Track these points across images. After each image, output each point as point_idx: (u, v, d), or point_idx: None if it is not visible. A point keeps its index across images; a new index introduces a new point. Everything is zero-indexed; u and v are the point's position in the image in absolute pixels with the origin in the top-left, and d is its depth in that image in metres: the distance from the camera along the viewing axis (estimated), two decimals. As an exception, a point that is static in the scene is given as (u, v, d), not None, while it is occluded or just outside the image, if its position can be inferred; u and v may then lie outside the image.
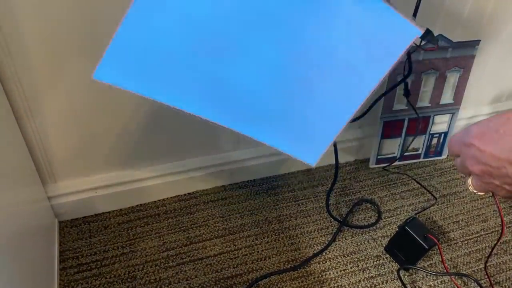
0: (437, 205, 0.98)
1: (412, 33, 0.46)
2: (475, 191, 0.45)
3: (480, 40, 0.96)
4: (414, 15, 0.80)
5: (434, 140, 1.09)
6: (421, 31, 0.46)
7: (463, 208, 0.98)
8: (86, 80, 0.72)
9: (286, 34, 0.47)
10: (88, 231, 0.85)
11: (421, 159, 1.10)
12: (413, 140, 1.05)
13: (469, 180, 0.46)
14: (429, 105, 1.02)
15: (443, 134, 1.08)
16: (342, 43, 0.48)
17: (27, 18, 0.63)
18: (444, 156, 1.11)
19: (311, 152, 0.60)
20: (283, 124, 0.57)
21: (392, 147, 1.07)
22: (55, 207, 0.84)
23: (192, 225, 0.88)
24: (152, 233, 0.86)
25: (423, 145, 1.08)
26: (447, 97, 1.03)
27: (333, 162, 0.93)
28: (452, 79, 1.00)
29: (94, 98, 0.75)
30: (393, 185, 1.02)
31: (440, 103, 1.02)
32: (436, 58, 0.95)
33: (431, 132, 1.07)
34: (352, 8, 0.46)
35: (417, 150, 1.10)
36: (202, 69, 0.52)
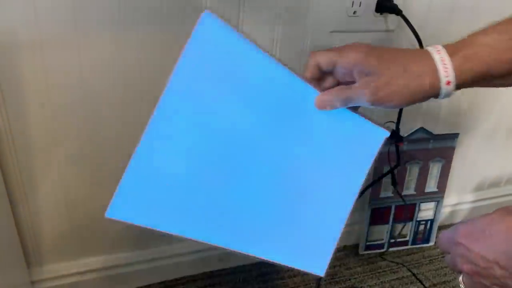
0: (428, 295, 0.97)
1: (381, 135, 0.53)
2: None
3: (459, 133, 1.02)
4: (400, 113, 0.86)
5: (421, 227, 1.11)
6: (388, 132, 0.52)
7: (454, 298, 0.97)
8: (81, 162, 0.74)
9: (274, 158, 0.54)
10: (69, 319, 0.82)
11: (409, 246, 1.11)
12: (403, 228, 1.06)
13: (460, 278, 0.47)
14: (415, 193, 1.05)
15: (429, 221, 1.10)
16: (322, 156, 0.54)
17: (31, 101, 0.66)
18: (431, 243, 1.12)
19: (318, 263, 0.60)
20: (287, 240, 0.59)
21: (381, 233, 1.08)
22: (38, 292, 0.82)
23: (179, 314, 0.85)
24: (136, 322, 0.83)
25: (411, 232, 1.10)
26: (431, 186, 1.06)
27: (323, 249, 0.93)
28: (435, 168, 1.05)
29: (86, 182, 0.77)
30: (383, 273, 1.02)
31: (425, 191, 1.06)
32: (419, 149, 1.00)
33: (418, 219, 1.09)
34: (326, 124, 0.52)
35: (405, 236, 1.11)
36: (207, 200, 0.57)
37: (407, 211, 1.07)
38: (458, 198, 1.19)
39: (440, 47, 0.43)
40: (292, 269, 0.97)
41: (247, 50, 0.50)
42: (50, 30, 0.62)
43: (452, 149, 1.03)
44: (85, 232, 0.81)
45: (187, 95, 0.53)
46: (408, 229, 1.10)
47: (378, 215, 1.04)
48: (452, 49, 0.43)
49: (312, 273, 0.58)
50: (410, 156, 1.00)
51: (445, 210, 1.17)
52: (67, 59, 0.65)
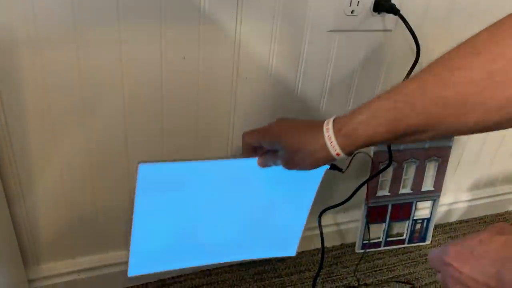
0: (424, 293, 0.97)
1: (321, 169, 0.71)
2: None
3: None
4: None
5: (418, 226, 1.11)
6: (328, 166, 0.72)
7: (450, 297, 0.97)
8: (78, 163, 0.74)
9: (240, 204, 0.79)
10: (67, 318, 0.82)
11: (405, 245, 1.11)
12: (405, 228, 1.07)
13: None
14: (411, 191, 1.05)
15: (426, 220, 1.11)
16: (279, 192, 0.79)
17: (29, 101, 0.66)
18: (428, 242, 1.13)
19: (288, 248, 0.88)
20: (259, 244, 0.87)
21: (377, 232, 1.08)
22: (35, 291, 0.82)
23: (176, 312, 0.86)
24: (133, 320, 0.83)
25: (407, 230, 1.10)
26: (427, 185, 1.07)
27: (320, 246, 0.93)
28: (432, 167, 1.05)
29: (84, 181, 0.76)
30: (379, 271, 1.02)
31: (422, 190, 1.06)
32: (416, 148, 1.00)
33: (414, 218, 1.09)
34: (277, 173, 0.71)
35: (401, 235, 1.12)
36: (196, 240, 0.80)
37: (403, 209, 1.07)
38: (454, 197, 1.20)
39: (330, 125, 0.50)
40: (288, 267, 0.98)
41: (186, 166, 0.71)
42: (48, 28, 0.62)
43: (449, 148, 1.04)
44: (82, 230, 0.81)
45: (154, 211, 0.74)
46: (404, 228, 1.11)
47: (374, 214, 1.05)
48: (338, 126, 0.50)
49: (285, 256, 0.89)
50: (406, 155, 1.01)
51: (441, 209, 1.18)
52: (65, 57, 0.65)
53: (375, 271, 1.02)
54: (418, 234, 1.12)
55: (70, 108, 0.69)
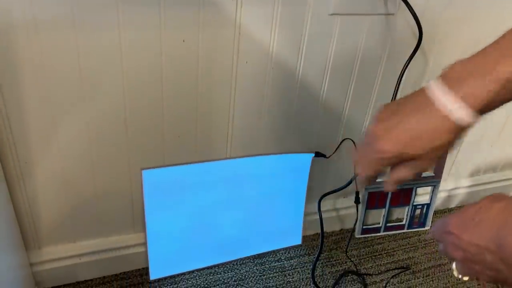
0: (422, 278, 0.98)
1: (309, 157, 0.90)
2: (460, 276, 0.47)
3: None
4: (394, 98, 0.86)
5: (418, 211, 1.12)
6: (313, 154, 0.91)
7: (449, 281, 0.98)
8: (78, 148, 0.74)
9: (245, 203, 0.91)
10: (68, 301, 0.83)
11: (405, 230, 1.12)
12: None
13: (454, 265, 0.48)
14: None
15: (426, 206, 1.11)
16: (276, 186, 0.93)
17: (27, 84, 0.66)
18: (427, 227, 1.13)
19: (293, 237, 1.01)
20: (266, 237, 0.97)
21: (377, 217, 1.08)
22: (36, 274, 0.82)
23: (176, 296, 0.86)
24: (134, 303, 0.84)
25: (407, 216, 1.11)
26: (428, 170, 1.07)
27: (320, 231, 0.94)
28: None
29: (85, 164, 0.76)
30: (379, 256, 1.03)
31: (422, 175, 1.06)
32: None
33: (414, 204, 1.09)
34: (270, 170, 0.88)
35: (401, 220, 1.12)
36: (210, 235, 0.90)
37: (403, 195, 1.08)
38: (454, 183, 1.20)
39: (434, 84, 0.42)
40: (288, 252, 0.98)
41: (188, 168, 0.80)
42: (46, 10, 0.61)
43: None
44: (83, 214, 0.82)
45: (164, 215, 0.83)
46: (404, 213, 1.11)
47: (374, 199, 1.05)
48: (447, 79, 0.42)
49: (293, 245, 1.02)
50: None
51: (441, 195, 1.18)
52: (64, 40, 0.64)
53: (375, 256, 1.03)
54: (417, 220, 1.13)
55: (69, 91, 0.68)
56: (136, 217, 0.86)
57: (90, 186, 0.79)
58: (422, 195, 1.10)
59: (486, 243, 0.41)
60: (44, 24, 0.62)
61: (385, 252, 1.04)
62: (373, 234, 1.08)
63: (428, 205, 1.11)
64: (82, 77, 0.68)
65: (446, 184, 1.18)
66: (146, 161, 0.79)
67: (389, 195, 1.06)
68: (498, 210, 0.42)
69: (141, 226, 0.87)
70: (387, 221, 1.09)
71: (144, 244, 0.86)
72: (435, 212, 1.16)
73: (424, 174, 1.06)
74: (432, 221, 1.13)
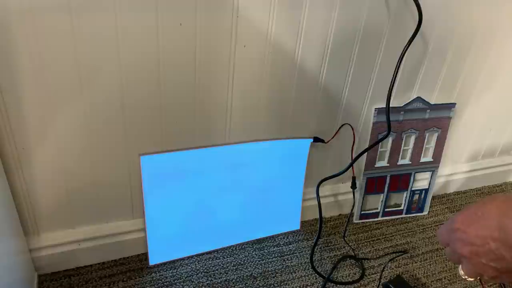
0: (420, 262, 0.99)
1: (307, 143, 0.91)
2: (466, 277, 0.49)
3: (455, 103, 1.02)
4: (393, 83, 0.85)
5: (416, 197, 1.12)
6: (312, 139, 0.91)
7: (446, 265, 0.99)
8: (76, 134, 0.74)
9: (246, 188, 0.92)
10: (69, 285, 0.83)
11: (403, 215, 1.12)
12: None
13: (460, 268, 0.50)
14: (410, 162, 1.05)
15: (424, 191, 1.12)
16: (277, 170, 0.93)
17: (24, 71, 0.65)
18: (425, 212, 1.14)
19: (292, 222, 1.02)
20: (265, 222, 0.98)
21: (375, 202, 1.09)
22: (36, 260, 0.82)
23: (176, 280, 0.87)
24: (135, 287, 0.84)
25: (405, 201, 1.11)
26: (427, 156, 1.07)
27: (318, 216, 0.94)
28: (431, 139, 1.05)
29: (83, 151, 0.76)
30: (377, 241, 1.03)
31: (420, 161, 1.06)
32: (416, 119, 1.00)
33: (412, 189, 1.10)
34: (271, 156, 0.89)
35: (399, 206, 1.12)
36: (209, 221, 0.91)
37: (402, 180, 1.08)
38: (452, 168, 1.20)
39: None
40: (287, 237, 0.99)
41: (186, 154, 0.80)
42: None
43: (449, 119, 1.03)
44: (81, 200, 0.82)
45: (163, 200, 0.83)
46: (402, 199, 1.11)
47: (373, 184, 1.05)
48: None
49: (291, 230, 1.03)
50: (406, 126, 1.00)
51: (440, 180, 1.19)
52: (59, 25, 0.63)
53: (373, 240, 1.03)
54: (416, 205, 1.13)
55: (66, 77, 0.68)
56: (135, 202, 0.86)
57: (88, 172, 0.79)
58: (420, 181, 1.11)
59: (490, 232, 0.43)
60: (40, 9, 0.61)
61: (383, 237, 1.05)
62: (371, 220, 1.09)
63: (427, 190, 1.11)
64: (78, 63, 0.67)
65: (444, 169, 1.18)
66: (144, 146, 0.79)
67: (388, 181, 1.06)
68: (500, 201, 0.45)
69: (140, 212, 0.87)
70: (385, 206, 1.09)
71: (143, 229, 0.86)
72: (433, 197, 1.17)
73: (423, 160, 1.07)
74: (430, 207, 1.14)
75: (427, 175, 1.10)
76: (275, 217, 0.99)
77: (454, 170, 1.21)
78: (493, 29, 0.96)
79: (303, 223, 1.04)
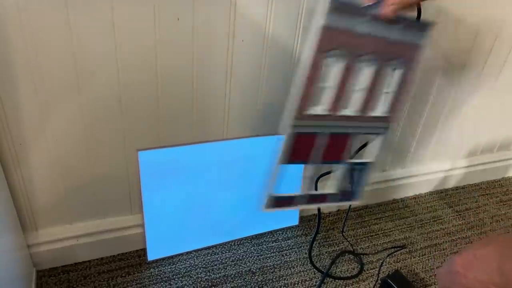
0: (419, 257, 0.99)
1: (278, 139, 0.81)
2: None
3: (434, 23, 0.59)
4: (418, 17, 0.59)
5: (356, 175, 0.67)
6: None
7: (444, 260, 0.99)
8: (73, 129, 0.73)
9: (234, 186, 0.90)
10: (67, 281, 0.83)
11: (329, 203, 0.68)
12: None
13: None
14: (358, 115, 0.60)
15: (364, 166, 0.66)
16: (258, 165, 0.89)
17: (20, 68, 0.64)
18: (357, 202, 0.69)
19: (290, 217, 1.02)
20: (263, 218, 0.98)
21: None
22: (34, 255, 0.82)
23: (175, 276, 0.87)
24: (133, 283, 0.84)
25: (338, 181, 0.66)
26: (380, 107, 0.61)
27: (317, 212, 0.94)
28: (392, 78, 0.60)
29: (81, 146, 0.76)
30: (375, 236, 1.03)
31: (372, 114, 0.61)
32: (379, 38, 0.55)
33: (353, 161, 0.65)
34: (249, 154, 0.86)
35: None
36: (207, 216, 0.90)
37: (339, 144, 0.61)
38: (451, 164, 1.20)
39: None
40: (285, 232, 0.99)
41: (183, 150, 0.80)
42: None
43: (417, 47, 0.59)
44: (79, 196, 0.81)
45: (161, 196, 0.83)
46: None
47: (300, 147, 0.55)
48: None
49: (290, 225, 1.03)
50: (366, 46, 0.55)
51: (438, 176, 1.19)
52: (55, 19, 0.62)
53: (371, 236, 1.03)
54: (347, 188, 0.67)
55: (63, 73, 0.67)
56: (133, 198, 0.86)
57: (86, 167, 0.79)
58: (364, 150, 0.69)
59: (490, 277, 0.43)
60: (36, 5, 0.60)
61: (382, 232, 1.05)
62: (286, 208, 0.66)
63: (369, 166, 0.67)
64: (75, 58, 0.66)
65: (443, 165, 1.18)
66: (142, 142, 0.79)
67: (322, 142, 0.59)
68: (498, 243, 0.45)
69: (138, 207, 0.87)
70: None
71: (142, 225, 0.86)
72: (432, 193, 1.17)
73: (374, 113, 0.61)
74: (428, 202, 1.14)
75: (376, 141, 0.64)
76: (274, 212, 0.98)
77: (453, 166, 1.21)
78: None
79: (301, 218, 1.04)
